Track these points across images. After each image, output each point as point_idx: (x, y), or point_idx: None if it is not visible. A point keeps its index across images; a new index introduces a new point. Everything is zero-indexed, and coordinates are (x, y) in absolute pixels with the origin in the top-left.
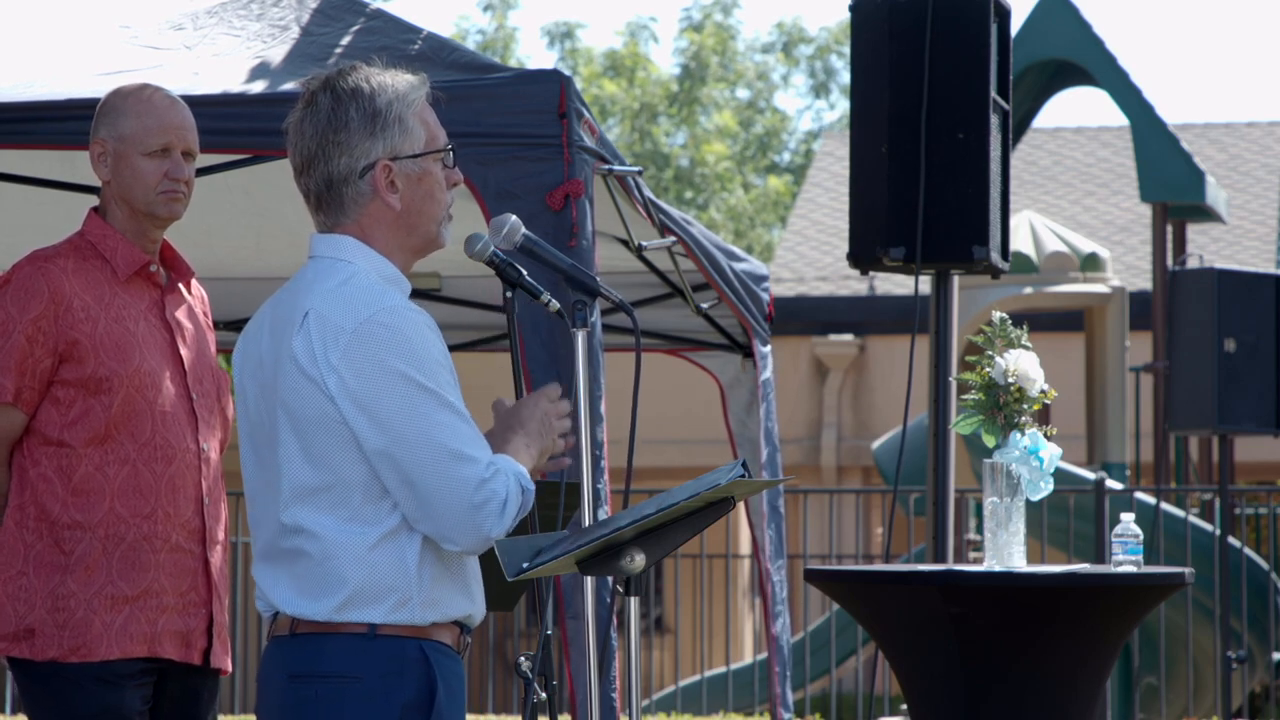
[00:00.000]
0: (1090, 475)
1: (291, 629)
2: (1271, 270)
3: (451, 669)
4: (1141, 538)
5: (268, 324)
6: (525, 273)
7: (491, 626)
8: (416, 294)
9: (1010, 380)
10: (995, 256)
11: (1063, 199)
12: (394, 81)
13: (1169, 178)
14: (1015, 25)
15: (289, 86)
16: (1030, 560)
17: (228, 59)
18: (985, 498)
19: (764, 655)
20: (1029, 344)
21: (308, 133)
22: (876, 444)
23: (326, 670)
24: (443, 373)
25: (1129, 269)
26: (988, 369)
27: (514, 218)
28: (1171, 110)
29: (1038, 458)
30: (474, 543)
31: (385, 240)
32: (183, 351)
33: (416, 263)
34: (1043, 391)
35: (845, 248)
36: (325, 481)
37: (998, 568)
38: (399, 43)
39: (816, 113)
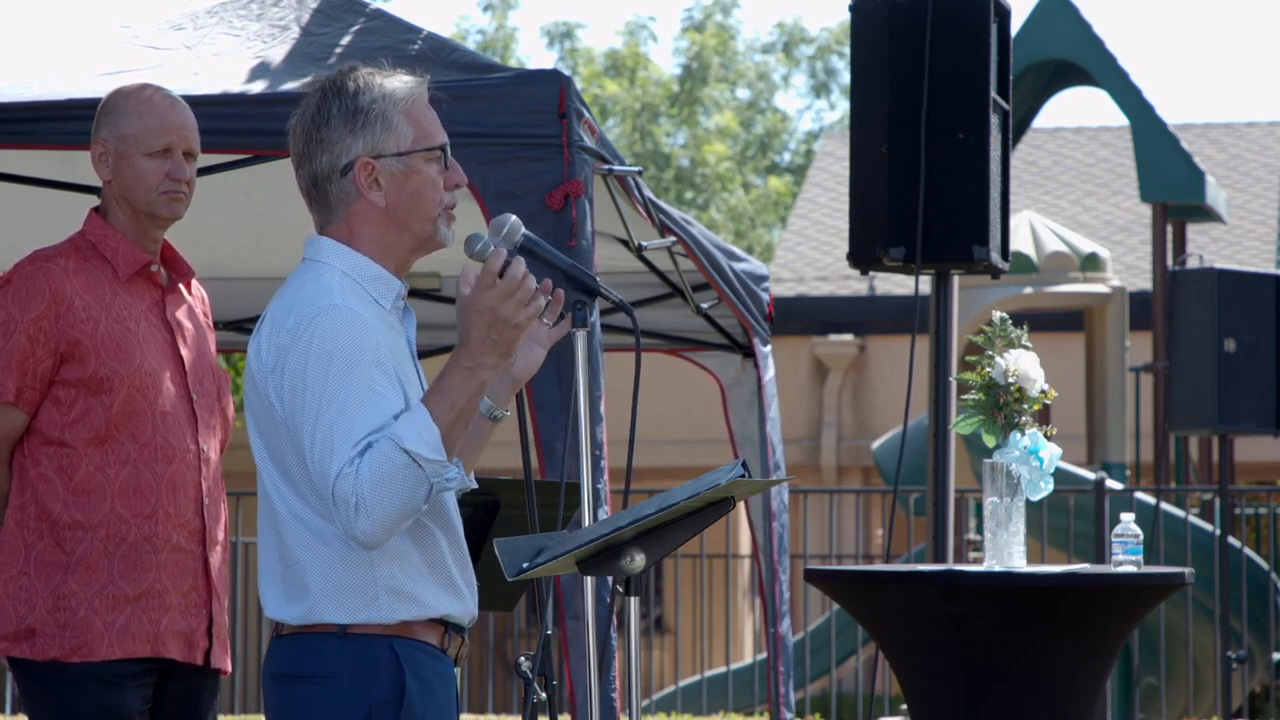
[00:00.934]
0: (1090, 475)
1: (277, 631)
2: (1271, 270)
3: (431, 667)
4: (1141, 538)
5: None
6: None
7: (491, 626)
8: (416, 294)
9: (1010, 380)
10: (995, 256)
11: (1063, 199)
12: (384, 81)
13: (1169, 178)
14: (1015, 25)
15: (289, 86)
16: (1030, 560)
17: (228, 59)
18: (985, 498)
19: (764, 655)
20: (1029, 344)
21: (297, 132)
22: (876, 444)
23: (302, 670)
24: (357, 368)
25: (1129, 269)
26: (988, 369)
27: (514, 218)
28: (1171, 110)
29: (1038, 458)
30: (364, 543)
31: (373, 240)
32: (183, 352)
33: (416, 262)
34: (1043, 391)
35: (845, 248)
36: (287, 482)
37: (998, 568)
38: (399, 43)
39: (817, 113)
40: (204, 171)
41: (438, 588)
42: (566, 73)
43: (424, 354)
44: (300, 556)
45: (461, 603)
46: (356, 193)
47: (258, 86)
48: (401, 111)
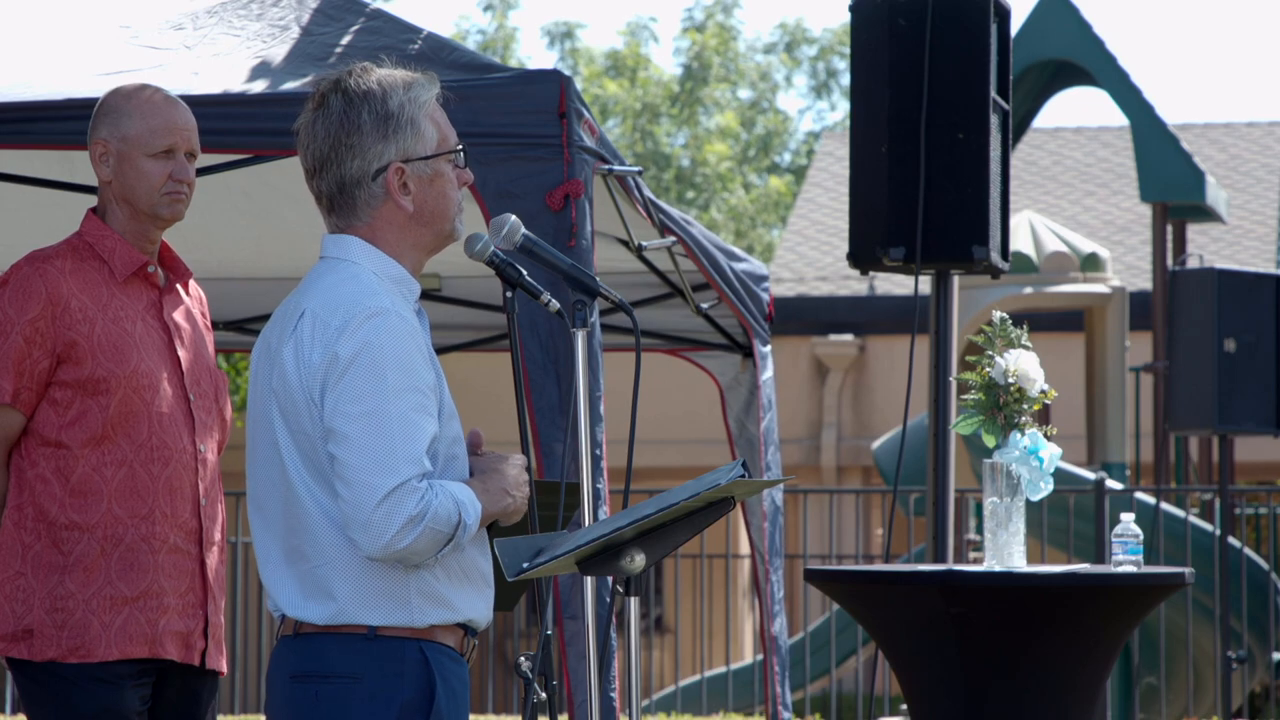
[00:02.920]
0: (1090, 475)
1: (295, 629)
2: (1271, 270)
3: (454, 671)
4: (1141, 538)
5: (276, 322)
6: (525, 273)
7: (491, 626)
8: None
9: (1010, 380)
10: (995, 256)
11: (1063, 199)
12: (405, 82)
13: (1169, 178)
14: (1015, 25)
15: (289, 86)
16: (1030, 560)
17: (228, 59)
18: (985, 498)
19: (763, 656)
20: (1029, 344)
21: (319, 135)
22: (876, 444)
23: (327, 670)
24: (416, 378)
25: (1129, 269)
26: (988, 369)
27: (514, 218)
28: (1171, 110)
29: (1038, 458)
30: (371, 546)
31: (395, 241)
32: (180, 353)
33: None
34: (1043, 391)
35: (845, 248)
36: (322, 483)
37: (998, 568)
38: (399, 43)
39: (818, 113)
40: (204, 171)
41: (465, 592)
42: (567, 73)
43: None
44: (332, 557)
45: (483, 608)
46: (385, 196)
47: (258, 86)
48: (426, 115)
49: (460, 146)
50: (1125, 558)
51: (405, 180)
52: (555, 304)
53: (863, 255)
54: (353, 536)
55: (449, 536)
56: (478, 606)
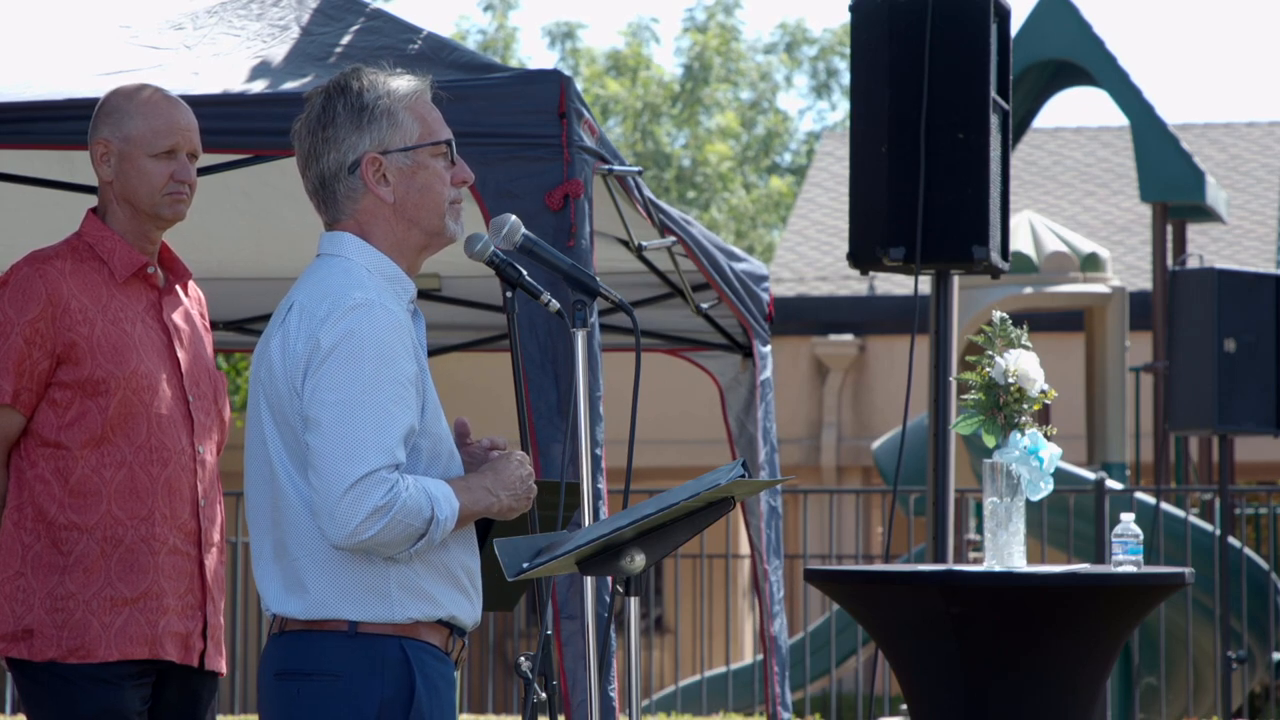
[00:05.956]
0: (1090, 475)
1: (281, 627)
2: (1271, 270)
3: (437, 669)
4: (1141, 538)
5: (271, 321)
6: (525, 273)
7: (491, 626)
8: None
9: (1010, 380)
10: (995, 256)
11: (1063, 199)
12: (387, 79)
13: (1169, 178)
14: (1015, 25)
15: (289, 86)
16: (1030, 560)
17: (228, 59)
18: (985, 498)
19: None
20: (1029, 344)
21: (303, 134)
22: (876, 444)
23: (308, 668)
24: (395, 369)
25: (1129, 269)
26: (988, 369)
27: (514, 218)
28: (1171, 110)
29: (1038, 458)
30: (336, 534)
31: (385, 237)
32: (179, 354)
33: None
34: (1043, 391)
35: (845, 248)
36: (301, 472)
37: (998, 568)
38: (399, 43)
39: (819, 113)
40: (204, 172)
41: (447, 588)
42: (567, 73)
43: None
44: (313, 549)
45: (465, 605)
46: (364, 188)
47: (258, 86)
48: (406, 107)
49: (447, 140)
50: (1125, 558)
51: (383, 171)
52: (555, 304)
53: (863, 255)
54: (320, 525)
55: (420, 531)
56: (462, 605)
